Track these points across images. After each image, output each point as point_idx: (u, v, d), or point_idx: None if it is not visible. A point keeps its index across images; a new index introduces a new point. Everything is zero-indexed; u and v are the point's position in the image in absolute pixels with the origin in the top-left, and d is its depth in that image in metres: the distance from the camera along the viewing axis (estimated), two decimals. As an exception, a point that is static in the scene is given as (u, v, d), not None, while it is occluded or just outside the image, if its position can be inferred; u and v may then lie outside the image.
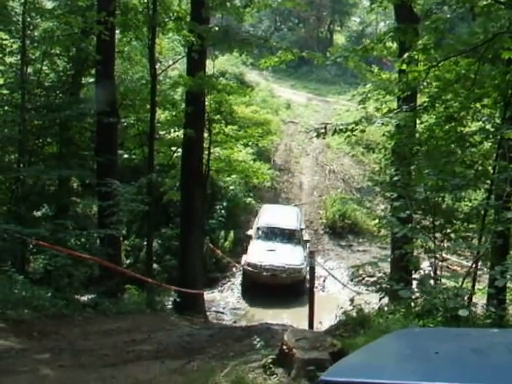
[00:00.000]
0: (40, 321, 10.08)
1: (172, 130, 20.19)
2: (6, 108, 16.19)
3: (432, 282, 9.45)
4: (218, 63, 25.15)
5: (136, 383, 7.03)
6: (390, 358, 2.80)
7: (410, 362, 2.52)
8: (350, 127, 11.69)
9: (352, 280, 20.51)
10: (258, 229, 20.96)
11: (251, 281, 19.39)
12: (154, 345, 9.57)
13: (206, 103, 18.03)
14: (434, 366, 2.38)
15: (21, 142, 14.95)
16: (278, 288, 18.80)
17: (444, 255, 10.49)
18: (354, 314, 10.46)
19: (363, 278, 20.19)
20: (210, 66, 19.25)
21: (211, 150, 19.13)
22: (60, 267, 11.80)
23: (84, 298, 12.18)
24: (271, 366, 7.08)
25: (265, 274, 18.93)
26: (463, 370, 2.31)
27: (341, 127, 11.77)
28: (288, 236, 20.66)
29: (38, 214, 16.23)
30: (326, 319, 12.03)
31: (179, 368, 7.59)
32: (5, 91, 15.94)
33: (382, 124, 11.79)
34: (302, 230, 21.38)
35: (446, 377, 2.14)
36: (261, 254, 19.64)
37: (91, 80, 18.01)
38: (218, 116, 19.46)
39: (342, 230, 24.51)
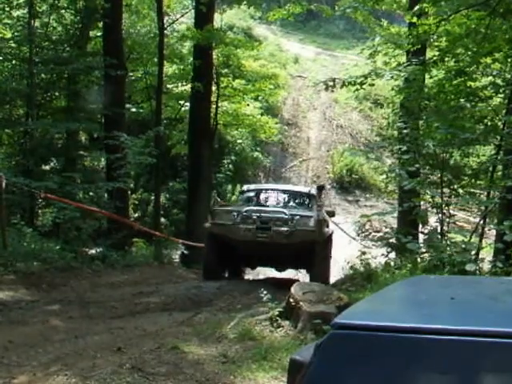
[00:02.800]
0: (49, 273, 10.12)
1: (179, 84, 19.99)
2: (14, 62, 16.03)
3: (439, 237, 9.40)
4: (226, 17, 24.76)
5: (144, 334, 7.05)
6: (406, 302, 2.74)
7: (427, 306, 2.44)
8: (358, 80, 11.52)
9: (359, 235, 20.47)
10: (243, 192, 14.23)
11: (223, 252, 11.88)
12: (161, 297, 9.62)
13: (214, 57, 17.82)
14: (453, 310, 2.31)
15: (29, 95, 14.83)
16: (277, 261, 12.87)
17: (451, 211, 10.41)
18: (361, 269, 10.47)
19: (370, 233, 20.15)
20: (218, 20, 18.98)
21: (219, 104, 18.95)
22: (68, 220, 11.82)
23: (92, 251, 12.20)
24: (278, 318, 7.10)
25: (250, 230, 11.25)
26: (482, 314, 2.25)
27: (349, 80, 11.59)
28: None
29: (46, 167, 16.16)
30: (332, 273, 12.02)
31: (187, 320, 7.61)
32: (13, 45, 15.73)
33: (392, 77, 11.63)
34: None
35: (466, 321, 2.07)
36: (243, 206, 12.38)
37: (99, 33, 17.78)
38: (226, 70, 19.24)
39: (349, 185, 24.41)
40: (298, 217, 11.49)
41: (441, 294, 2.73)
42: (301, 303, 7.08)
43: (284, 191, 13.98)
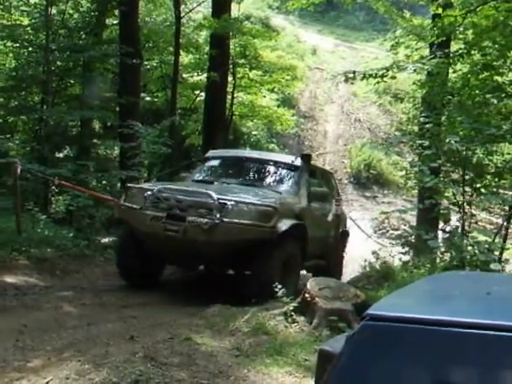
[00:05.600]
0: (62, 260, 10.22)
1: (195, 74, 20.02)
2: (31, 48, 16.15)
3: (460, 236, 9.35)
4: (243, 6, 24.69)
5: (157, 324, 7.11)
6: (439, 296, 2.74)
7: (463, 300, 2.46)
8: (380, 73, 11.45)
9: (375, 232, 20.41)
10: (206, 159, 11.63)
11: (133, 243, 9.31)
12: (174, 287, 9.65)
13: (231, 47, 17.81)
14: (490, 305, 2.32)
15: (45, 82, 14.93)
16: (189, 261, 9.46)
17: (473, 211, 10.37)
18: (378, 267, 10.46)
19: (387, 231, 20.09)
20: (235, 9, 18.95)
21: (235, 95, 18.96)
22: (81, 208, 11.90)
23: (105, 240, 12.26)
24: (293, 313, 7.12)
25: (159, 219, 8.64)
26: None
27: (370, 73, 11.53)
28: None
29: (60, 155, 16.26)
30: (348, 270, 12.02)
31: (200, 312, 7.65)
32: (29, 32, 15.84)
33: (414, 70, 11.55)
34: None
35: (506, 316, 2.08)
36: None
37: (115, 21, 17.85)
38: (243, 60, 19.19)
39: (366, 181, 24.29)
40: (231, 203, 8.45)
41: (475, 289, 2.74)
42: (316, 299, 7.11)
43: (260, 161, 10.93)
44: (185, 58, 19.93)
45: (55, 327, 6.72)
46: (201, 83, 19.01)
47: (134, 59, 14.49)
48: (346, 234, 12.58)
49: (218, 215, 8.29)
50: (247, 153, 12.21)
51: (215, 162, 11.25)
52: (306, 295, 7.24)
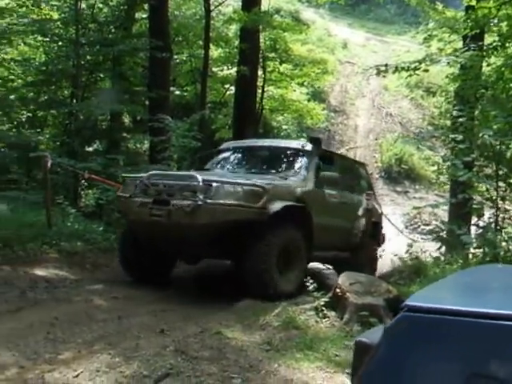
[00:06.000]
0: (92, 253, 10.33)
1: (225, 68, 20.05)
2: (60, 43, 16.27)
3: (494, 231, 9.23)
4: (273, 0, 24.72)
5: (187, 318, 7.12)
6: (477, 288, 2.70)
7: (501, 293, 2.42)
8: (412, 66, 11.36)
9: (407, 227, 20.26)
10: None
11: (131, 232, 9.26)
12: (205, 280, 9.66)
13: (261, 40, 17.79)
14: None
15: (74, 76, 15.04)
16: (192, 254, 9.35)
17: (506, 206, 10.25)
18: (410, 262, 10.39)
19: (419, 226, 19.94)
20: (265, 3, 18.95)
21: (265, 89, 18.96)
22: (111, 202, 11.97)
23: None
24: (323, 308, 7.10)
25: (146, 205, 8.38)
26: None
27: (403, 66, 11.44)
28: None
29: (89, 149, 16.39)
30: (379, 265, 11.92)
31: (230, 306, 7.66)
32: (59, 26, 15.96)
33: (448, 63, 11.43)
34: None
35: None
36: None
37: (144, 15, 17.92)
38: (273, 54, 19.19)
39: (397, 176, 24.12)
40: (217, 184, 8.09)
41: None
42: (348, 294, 7.07)
43: (270, 148, 10.73)
44: (214, 52, 19.96)
45: (86, 320, 6.77)
46: (231, 77, 19.04)
47: (163, 53, 14.51)
48: (378, 229, 12.11)
49: (201, 197, 7.94)
50: (259, 141, 11.61)
51: (227, 153, 11.05)
52: (337, 290, 7.21)
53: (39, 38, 16.27)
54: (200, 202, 7.88)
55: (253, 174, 9.56)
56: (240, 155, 10.89)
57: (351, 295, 7.04)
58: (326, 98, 27.88)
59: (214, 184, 8.10)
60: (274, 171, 9.75)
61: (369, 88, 29.75)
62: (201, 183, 8.05)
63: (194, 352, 5.60)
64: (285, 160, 10.27)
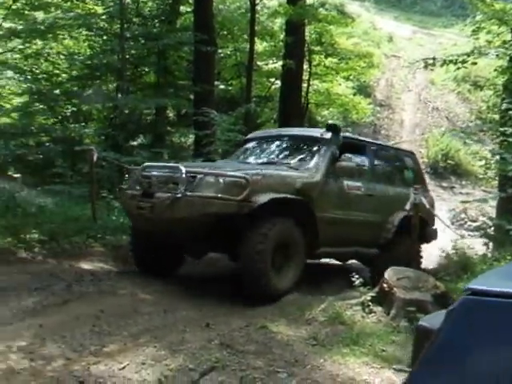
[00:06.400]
0: (136, 247, 10.36)
1: (270, 61, 20.02)
2: (105, 37, 16.42)
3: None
4: (318, -7, 24.58)
5: (232, 312, 7.13)
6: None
7: None
8: (460, 59, 11.19)
9: (453, 223, 20.00)
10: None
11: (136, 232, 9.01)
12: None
13: (306, 34, 17.71)
14: None
15: (119, 70, 15.16)
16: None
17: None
18: (456, 258, 10.24)
19: (465, 222, 19.66)
20: (310, -4, 18.86)
21: (310, 83, 18.88)
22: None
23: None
24: (370, 303, 7.01)
25: (135, 197, 8.31)
26: None
27: (450, 58, 11.28)
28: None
29: (134, 143, 16.51)
30: (425, 260, 11.74)
31: (275, 300, 7.63)
32: (104, 20, 16.11)
33: (497, 56, 11.24)
34: None
35: None
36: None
37: (189, 9, 17.98)
38: (319, 47, 19.09)
39: (444, 171, 23.80)
40: (200, 176, 7.79)
41: None
42: (395, 289, 6.98)
43: (291, 137, 10.26)
44: (259, 46, 19.95)
45: (131, 313, 6.80)
46: (276, 71, 19.01)
47: (208, 47, 14.54)
48: (425, 224, 11.02)
49: (182, 189, 7.65)
50: (283, 130, 11.14)
51: (252, 143, 10.63)
52: (384, 285, 7.12)
53: (84, 32, 16.44)
54: (179, 195, 7.62)
55: (265, 164, 9.14)
56: (262, 145, 10.41)
57: (398, 290, 6.95)
58: (372, 92, 27.68)
59: (198, 176, 7.79)
60: (288, 161, 9.25)
61: (415, 82, 29.44)
62: (183, 175, 7.75)
63: (240, 346, 5.60)
64: (302, 149, 9.71)
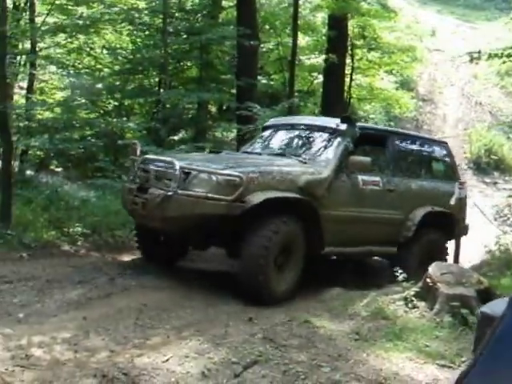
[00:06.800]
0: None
1: (312, 56, 19.94)
2: (147, 32, 16.51)
3: None
4: (361, -13, 24.40)
5: (274, 306, 7.14)
6: None
7: None
8: (506, 52, 11.00)
9: (496, 219, 19.71)
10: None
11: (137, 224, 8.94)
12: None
13: (349, 28, 17.61)
14: None
15: (162, 65, 15.21)
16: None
17: None
18: (499, 254, 10.10)
19: (508, 218, 19.37)
20: (352, -10, 18.70)
21: (353, 77, 18.78)
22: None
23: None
24: (413, 299, 6.95)
25: (132, 192, 8.05)
26: None
27: (496, 52, 11.09)
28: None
29: (175, 137, 16.59)
30: (467, 256, 11.55)
31: (318, 295, 7.63)
32: (147, 15, 16.19)
33: (542, 49, 11.04)
34: None
35: None
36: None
37: (231, 3, 17.99)
38: (361, 41, 18.97)
39: (487, 166, 23.44)
40: (194, 172, 7.43)
41: None
42: (438, 284, 6.90)
43: (306, 127, 9.49)
44: (301, 40, 19.87)
45: (174, 307, 6.84)
46: (318, 65, 18.91)
47: (251, 41, 14.50)
48: (453, 220, 10.00)
49: (175, 186, 7.28)
50: (298, 119, 10.44)
51: (268, 132, 10.02)
52: (428, 280, 7.04)
53: (127, 27, 16.54)
54: (170, 193, 7.27)
55: (275, 156, 8.74)
56: (277, 134, 9.82)
57: (442, 285, 6.86)
58: (414, 87, 27.41)
59: (193, 172, 7.41)
60: (300, 153, 8.73)
61: (458, 76, 29.09)
62: (177, 171, 7.35)
63: (283, 340, 5.59)
64: (316, 140, 9.09)
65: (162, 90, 15.20)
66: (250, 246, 7.23)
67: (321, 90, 18.02)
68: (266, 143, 9.74)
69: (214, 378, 4.71)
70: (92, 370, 4.72)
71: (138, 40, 16.99)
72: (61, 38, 15.05)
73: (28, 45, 14.76)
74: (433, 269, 7.21)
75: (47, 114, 15.12)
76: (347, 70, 18.12)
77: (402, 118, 24.02)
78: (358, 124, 9.09)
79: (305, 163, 8.26)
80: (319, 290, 7.78)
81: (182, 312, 6.68)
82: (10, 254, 8.37)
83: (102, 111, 15.88)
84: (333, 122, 9.01)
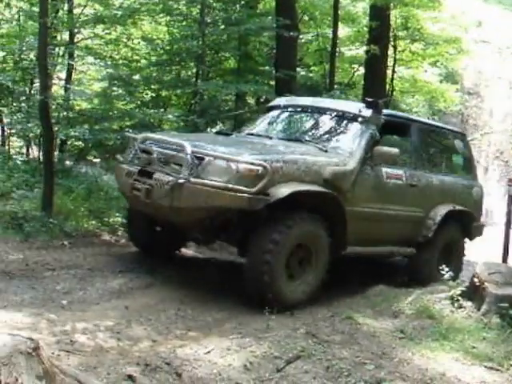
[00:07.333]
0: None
1: (353, 47, 19.87)
2: (185, 23, 16.61)
3: None
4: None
5: (316, 301, 7.18)
6: None
7: None
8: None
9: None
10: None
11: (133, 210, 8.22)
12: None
13: (391, 18, 17.51)
14: None
15: (199, 56, 15.30)
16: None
17: None
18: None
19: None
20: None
21: (395, 69, 18.67)
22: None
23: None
24: (459, 298, 6.95)
25: (132, 175, 7.35)
26: None
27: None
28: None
29: (213, 129, 16.67)
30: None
31: (360, 291, 7.67)
32: (184, 5, 16.29)
33: None
34: None
35: None
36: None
37: (270, -7, 18.02)
38: (404, 32, 18.85)
39: (535, 163, 23.25)
40: (209, 158, 6.68)
41: None
42: (486, 284, 6.89)
43: (323, 110, 8.64)
44: (342, 31, 19.81)
45: (214, 299, 6.95)
46: (359, 57, 18.85)
47: (290, 32, 14.51)
48: (472, 220, 9.75)
49: (186, 173, 6.58)
50: (313, 100, 9.40)
51: (276, 112, 9.20)
52: (475, 279, 7.04)
53: (164, 17, 16.66)
54: (181, 180, 6.55)
55: (289, 141, 7.99)
56: (287, 116, 9.10)
57: (490, 285, 6.85)
58: (460, 80, 27.13)
59: (207, 158, 6.65)
60: (317, 140, 7.99)
61: (505, 69, 28.71)
62: (188, 156, 6.66)
63: (325, 336, 5.66)
64: (335, 127, 8.35)
65: (199, 82, 15.28)
66: (258, 241, 6.65)
67: (362, 82, 17.93)
68: (275, 126, 8.97)
69: (256, 371, 4.80)
70: (135, 358, 4.86)
71: (175, 31, 17.10)
72: (99, 29, 15.24)
73: (66, 36, 14.98)
74: (480, 268, 7.20)
75: (85, 105, 15.35)
76: (389, 62, 18.00)
77: (446, 111, 23.81)
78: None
79: (326, 151, 7.62)
80: (362, 287, 7.81)
81: (222, 304, 6.81)
82: (53, 242, 8.57)
83: (139, 102, 16.02)
84: (355, 107, 8.35)
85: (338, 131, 8.22)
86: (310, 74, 19.91)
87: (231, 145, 7.29)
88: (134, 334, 5.61)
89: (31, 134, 13.00)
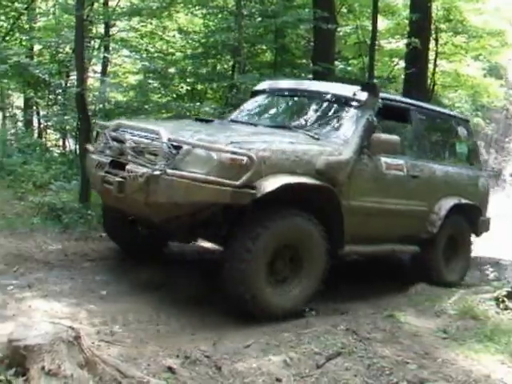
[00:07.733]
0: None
1: (393, 40, 19.75)
2: (220, 15, 16.66)
3: None
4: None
5: (358, 298, 7.23)
6: None
7: None
8: None
9: None
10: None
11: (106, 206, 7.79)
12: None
13: (433, 10, 17.36)
14: None
15: (236, 49, 15.34)
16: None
17: None
18: None
19: None
20: (436, -31, 18.46)
21: (437, 63, 18.50)
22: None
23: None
24: (505, 299, 6.87)
25: (103, 167, 6.76)
26: None
27: None
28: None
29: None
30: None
31: (402, 289, 7.65)
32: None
33: None
34: None
35: None
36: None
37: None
38: (446, 24, 18.67)
39: None
40: (187, 147, 6.01)
41: None
42: (534, 285, 6.84)
43: (313, 94, 8.02)
44: (381, 23, 19.69)
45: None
46: (399, 50, 18.72)
47: (328, 24, 14.45)
48: (479, 214, 9.28)
49: (162, 163, 6.01)
50: (302, 83, 8.96)
51: (261, 97, 8.68)
52: (522, 280, 7.00)
53: (200, 10, 16.73)
54: (157, 172, 5.94)
55: (276, 128, 7.41)
56: (274, 101, 8.56)
57: (536, 286, 6.80)
58: (504, 74, 26.82)
59: (185, 147, 6.04)
60: (307, 127, 7.38)
61: (552, 63, 28.37)
62: (165, 144, 6.08)
63: (366, 333, 5.65)
64: (327, 112, 7.69)
65: (236, 75, 15.32)
66: (233, 247, 6.10)
67: (402, 76, 17.80)
68: (260, 112, 8.44)
69: (296, 367, 4.81)
70: (174, 350, 4.93)
71: (211, 23, 17.17)
72: (134, 21, 15.38)
73: (101, 29, 15.15)
74: (526, 267, 7.15)
75: (120, 98, 15.50)
76: (431, 56, 17.83)
77: (490, 107, 23.53)
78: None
79: (317, 139, 7.04)
80: (403, 285, 7.80)
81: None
82: (90, 233, 8.79)
83: (174, 95, 16.12)
84: (349, 90, 7.68)
85: (331, 117, 7.58)
86: (349, 68, 19.82)
87: (212, 132, 6.64)
88: (172, 326, 5.76)
89: (67, 127, 13.20)
